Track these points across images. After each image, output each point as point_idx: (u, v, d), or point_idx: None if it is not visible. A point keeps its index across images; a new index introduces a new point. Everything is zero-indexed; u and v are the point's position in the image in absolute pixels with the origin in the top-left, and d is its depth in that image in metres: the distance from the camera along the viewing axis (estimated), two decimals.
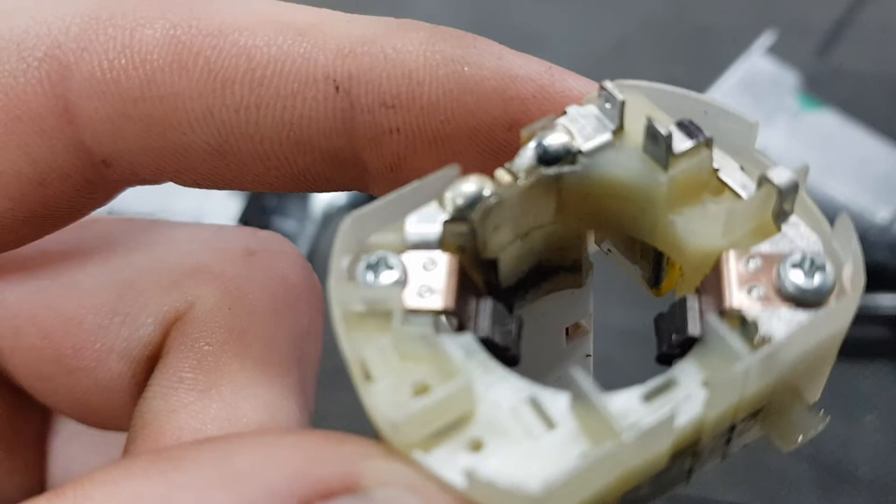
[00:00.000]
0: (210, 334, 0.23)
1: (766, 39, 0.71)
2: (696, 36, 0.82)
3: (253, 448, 0.16)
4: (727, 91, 0.68)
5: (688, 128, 0.17)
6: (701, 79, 0.70)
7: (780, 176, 0.17)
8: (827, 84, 0.74)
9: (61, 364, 0.24)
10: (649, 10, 0.85)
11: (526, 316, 0.20)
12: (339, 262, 0.17)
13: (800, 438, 0.17)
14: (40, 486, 0.28)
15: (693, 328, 0.16)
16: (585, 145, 0.18)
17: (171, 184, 0.62)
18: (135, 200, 0.59)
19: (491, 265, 0.19)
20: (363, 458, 0.15)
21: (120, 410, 0.25)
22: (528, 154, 0.17)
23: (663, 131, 0.17)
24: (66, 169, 0.21)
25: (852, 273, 0.16)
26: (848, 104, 0.70)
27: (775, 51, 0.71)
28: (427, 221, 0.17)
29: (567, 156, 0.18)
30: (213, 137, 0.21)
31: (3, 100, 0.20)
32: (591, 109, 0.18)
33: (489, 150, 0.20)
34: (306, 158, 0.21)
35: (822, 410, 0.17)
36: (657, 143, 0.17)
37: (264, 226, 0.67)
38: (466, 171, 0.18)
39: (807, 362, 0.16)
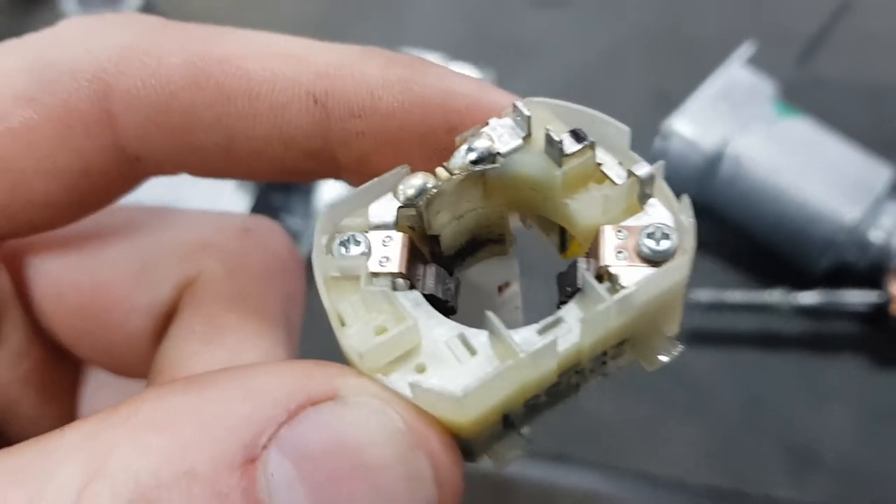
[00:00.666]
0: (215, 296, 0.29)
1: (745, 50, 0.75)
2: (682, 46, 0.86)
3: (261, 371, 0.21)
4: (707, 99, 0.71)
5: (577, 134, 0.22)
6: (686, 86, 0.74)
7: (642, 169, 0.21)
8: (805, 92, 0.78)
9: (96, 321, 0.29)
10: (638, 21, 0.89)
11: (465, 279, 0.25)
12: (319, 239, 0.22)
13: (659, 360, 0.22)
14: None
15: (581, 283, 0.21)
16: (503, 149, 0.22)
17: (187, 185, 0.67)
18: (152, 195, 0.64)
19: (435, 240, 0.24)
20: (341, 377, 0.20)
21: (142, 359, 0.30)
22: (460, 155, 0.22)
23: (557, 137, 0.22)
24: (107, 164, 0.26)
25: (688, 239, 0.21)
26: (825, 112, 0.73)
27: (756, 61, 0.74)
28: (385, 208, 0.22)
29: (489, 157, 0.22)
30: (221, 139, 0.26)
31: (61, 111, 0.25)
32: (508, 121, 0.23)
33: (434, 150, 0.25)
34: (292, 155, 0.26)
35: (678, 342, 0.22)
36: (553, 147, 0.22)
37: None
38: (416, 166, 0.23)
39: (657, 303, 0.21)
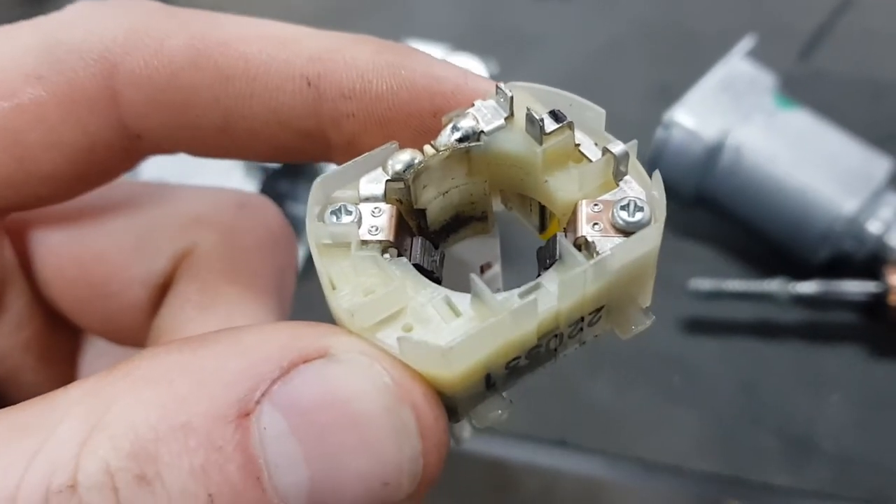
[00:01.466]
0: (209, 267, 0.30)
1: (746, 43, 0.75)
2: (683, 38, 0.87)
3: (254, 331, 0.21)
4: (708, 90, 0.72)
5: (556, 115, 0.23)
6: (686, 79, 0.74)
7: (616, 147, 0.22)
8: (805, 86, 0.79)
9: (95, 290, 0.31)
10: (640, 14, 0.90)
11: (450, 255, 0.27)
12: (312, 209, 0.23)
13: (633, 329, 0.23)
14: None
15: (559, 254, 0.23)
16: (486, 128, 0.24)
17: (196, 172, 0.68)
18: (162, 179, 0.65)
19: (421, 213, 0.25)
20: (331, 335, 0.21)
21: (139, 328, 0.31)
22: (446, 133, 0.24)
23: (538, 116, 0.23)
24: (110, 140, 0.27)
25: (659, 210, 0.22)
26: (825, 107, 0.74)
27: (756, 54, 0.75)
28: (375, 182, 0.23)
29: (473, 135, 0.24)
30: (219, 119, 0.27)
31: (67, 89, 0.26)
32: (491, 103, 0.24)
33: (420, 131, 0.26)
34: (285, 135, 0.27)
35: (651, 313, 0.23)
36: (534, 125, 0.23)
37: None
38: (403, 145, 0.24)
39: (630, 271, 0.22)
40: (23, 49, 0.26)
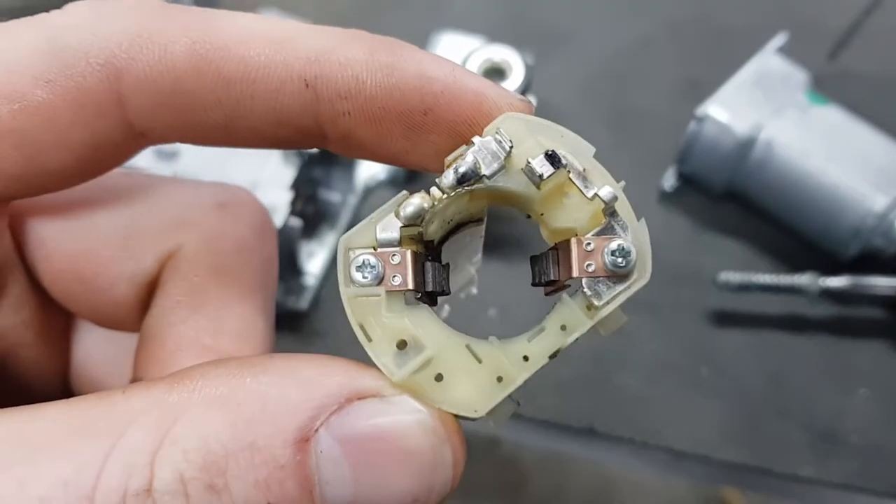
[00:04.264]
0: (195, 269, 0.32)
1: (778, 40, 0.76)
2: (714, 36, 0.88)
3: (313, 364, 0.25)
4: (740, 85, 0.73)
5: (552, 157, 0.26)
6: (716, 75, 0.75)
7: (606, 193, 0.26)
8: (835, 83, 0.79)
9: (84, 285, 0.33)
10: (672, 11, 0.90)
11: (445, 248, 0.30)
12: (344, 271, 0.26)
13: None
14: (65, 368, 0.36)
15: (552, 273, 0.28)
16: (486, 171, 0.26)
17: (233, 160, 0.69)
18: (201, 168, 0.66)
19: (429, 242, 0.28)
20: (382, 378, 0.25)
21: (127, 319, 0.33)
22: (450, 176, 0.26)
23: (537, 171, 0.26)
24: (115, 138, 0.29)
25: (647, 262, 0.27)
26: (854, 103, 0.74)
27: (787, 51, 0.76)
28: (389, 230, 0.27)
29: (475, 178, 0.26)
30: (221, 119, 0.29)
31: (76, 93, 0.27)
32: (490, 143, 0.26)
33: (411, 127, 0.28)
34: (285, 131, 0.29)
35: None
36: (533, 175, 0.26)
37: (311, 195, 0.74)
38: (395, 142, 0.28)
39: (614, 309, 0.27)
40: (29, 50, 0.27)
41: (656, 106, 0.82)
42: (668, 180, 0.77)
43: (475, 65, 0.68)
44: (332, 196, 0.75)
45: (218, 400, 0.23)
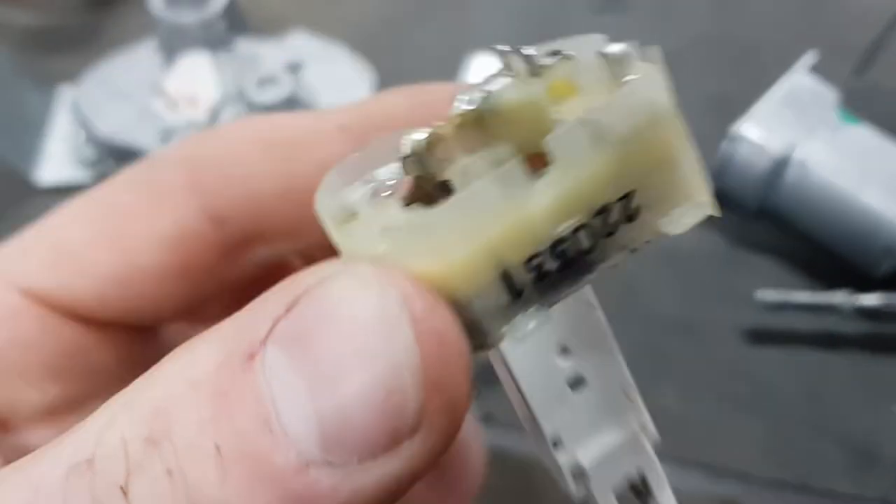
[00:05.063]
0: None
1: (809, 58, 0.77)
2: (743, 53, 0.88)
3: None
4: (773, 105, 0.73)
5: (552, 51, 0.23)
6: (743, 93, 0.76)
7: (612, 48, 0.22)
8: (863, 101, 0.80)
9: None
10: (696, 27, 0.91)
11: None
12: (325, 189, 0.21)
13: (683, 222, 0.20)
14: None
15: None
16: (489, 87, 0.21)
17: None
18: None
19: (445, 186, 0.22)
20: (332, 264, 0.19)
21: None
22: (454, 107, 0.22)
23: (533, 52, 0.22)
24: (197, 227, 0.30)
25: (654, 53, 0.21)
26: (882, 120, 0.75)
27: (816, 69, 0.77)
28: (391, 171, 0.21)
29: (481, 98, 0.21)
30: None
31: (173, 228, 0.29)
32: (497, 73, 0.22)
33: None
34: None
35: (710, 205, 0.20)
36: (531, 62, 0.22)
37: None
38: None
39: (647, 143, 0.19)
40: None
41: (686, 123, 0.82)
42: None
43: None
44: None
45: (171, 357, 0.20)
